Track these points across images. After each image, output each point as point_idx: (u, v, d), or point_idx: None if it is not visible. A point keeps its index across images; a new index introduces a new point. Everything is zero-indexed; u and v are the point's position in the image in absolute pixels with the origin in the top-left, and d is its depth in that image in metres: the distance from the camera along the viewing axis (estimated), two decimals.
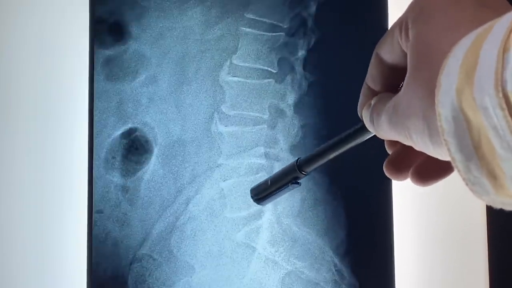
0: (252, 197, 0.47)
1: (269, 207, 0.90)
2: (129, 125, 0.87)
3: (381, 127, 0.35)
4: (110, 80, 0.87)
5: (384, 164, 0.39)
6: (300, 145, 0.92)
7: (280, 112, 0.92)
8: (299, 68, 0.93)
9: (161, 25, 0.89)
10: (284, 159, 0.91)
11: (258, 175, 0.90)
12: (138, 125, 0.87)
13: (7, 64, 0.86)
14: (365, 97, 0.39)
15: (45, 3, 0.88)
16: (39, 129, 0.86)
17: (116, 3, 0.88)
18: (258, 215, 0.90)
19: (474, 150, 0.27)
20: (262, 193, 0.48)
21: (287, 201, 0.91)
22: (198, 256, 0.87)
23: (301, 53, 0.93)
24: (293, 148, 0.91)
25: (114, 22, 0.88)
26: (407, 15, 0.34)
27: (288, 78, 0.92)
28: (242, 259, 0.89)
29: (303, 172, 0.45)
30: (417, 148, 0.33)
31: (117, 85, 0.87)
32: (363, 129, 0.39)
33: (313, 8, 0.94)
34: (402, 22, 0.34)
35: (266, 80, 0.92)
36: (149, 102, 0.88)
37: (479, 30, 0.28)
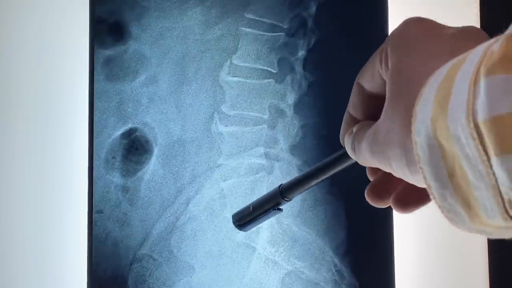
0: (234, 222, 0.47)
1: None
2: (129, 125, 0.87)
3: (362, 155, 0.36)
4: (110, 80, 0.87)
5: (365, 191, 0.40)
6: (300, 145, 0.92)
7: (280, 112, 0.92)
8: (299, 68, 0.93)
9: (161, 25, 0.89)
10: (284, 159, 0.91)
11: (258, 175, 0.90)
12: (138, 125, 0.87)
13: (7, 64, 0.86)
14: (347, 125, 0.39)
15: (45, 3, 0.88)
16: (39, 129, 0.86)
17: (116, 3, 0.88)
18: None
19: (449, 179, 0.28)
20: (244, 219, 0.48)
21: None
22: (198, 256, 0.88)
23: (301, 53, 0.93)
24: (293, 148, 0.91)
25: (114, 22, 0.88)
26: (387, 44, 0.34)
27: (288, 78, 0.92)
28: (242, 259, 0.89)
29: (285, 199, 0.45)
30: (396, 175, 0.33)
31: (117, 85, 0.87)
32: (345, 156, 0.40)
33: (313, 8, 0.94)
34: (382, 51, 0.35)
35: (266, 80, 0.92)
36: (149, 102, 0.88)
37: (454, 60, 0.28)
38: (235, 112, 0.90)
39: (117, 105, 0.87)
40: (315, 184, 0.43)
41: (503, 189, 0.26)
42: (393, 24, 0.96)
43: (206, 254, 0.88)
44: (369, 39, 0.95)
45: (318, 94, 0.93)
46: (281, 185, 0.45)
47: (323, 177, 0.43)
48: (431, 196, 0.29)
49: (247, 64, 0.91)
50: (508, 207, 0.26)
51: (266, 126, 0.91)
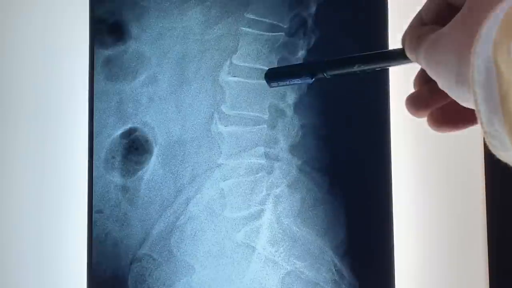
0: (265, 74, 0.46)
1: (269, 207, 0.90)
2: (129, 125, 0.87)
3: (419, 54, 0.36)
4: (110, 80, 0.87)
5: (405, 99, 0.40)
6: (300, 145, 0.92)
7: (280, 112, 0.92)
8: None
9: (161, 25, 0.89)
10: (284, 159, 0.91)
11: (258, 175, 0.90)
12: (138, 125, 0.87)
13: (7, 64, 0.86)
14: (413, 25, 0.40)
15: (45, 3, 0.88)
16: (39, 129, 0.86)
17: (116, 3, 0.88)
18: (258, 215, 0.90)
19: (500, 104, 0.28)
20: (277, 74, 0.46)
21: (287, 201, 0.91)
22: (198, 256, 0.87)
23: (301, 53, 0.93)
24: (293, 148, 0.91)
25: (114, 22, 0.88)
26: None
27: None
28: (242, 259, 0.89)
29: (324, 73, 0.44)
30: (440, 85, 0.33)
31: (117, 85, 0.87)
32: (400, 53, 0.40)
33: (313, 8, 0.94)
34: None
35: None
36: (149, 102, 0.88)
37: None
38: (235, 112, 0.90)
39: (117, 105, 0.87)
40: (359, 71, 0.42)
41: None
42: (393, 24, 0.96)
43: (206, 254, 0.88)
44: (369, 39, 0.95)
45: (318, 94, 0.93)
46: (325, 59, 0.44)
47: (370, 66, 0.42)
48: (478, 121, 0.29)
49: (247, 64, 0.91)
50: None
51: (266, 126, 0.91)
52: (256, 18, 0.92)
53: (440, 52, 0.33)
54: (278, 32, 0.92)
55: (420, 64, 0.37)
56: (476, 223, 1.01)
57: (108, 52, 0.87)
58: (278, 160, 0.91)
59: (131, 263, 0.85)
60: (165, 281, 0.86)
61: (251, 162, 0.90)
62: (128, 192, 0.86)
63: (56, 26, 0.88)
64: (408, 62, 0.39)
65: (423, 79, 0.40)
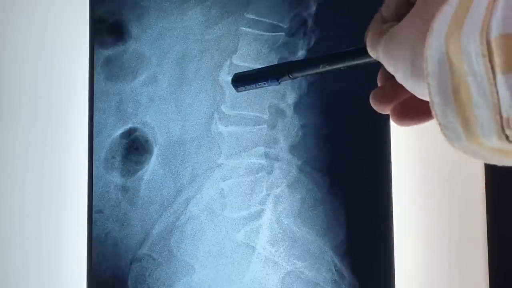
0: (232, 79, 0.46)
1: (269, 207, 0.90)
2: (129, 125, 0.87)
3: (378, 49, 0.37)
4: (110, 80, 0.87)
5: (370, 94, 0.42)
6: (300, 145, 0.92)
7: (280, 112, 0.92)
8: None
9: (161, 25, 0.89)
10: (284, 159, 0.91)
11: (258, 175, 0.90)
12: (138, 125, 0.87)
13: (7, 64, 0.86)
14: (375, 22, 0.41)
15: (45, 3, 0.88)
16: (39, 129, 0.86)
17: (116, 3, 0.88)
18: (258, 215, 0.90)
19: (453, 95, 0.28)
20: (243, 79, 0.46)
21: (287, 201, 0.91)
22: (198, 256, 0.87)
23: (301, 53, 0.93)
24: (293, 148, 0.91)
25: (114, 22, 0.88)
26: None
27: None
28: (242, 259, 0.89)
29: (289, 75, 0.44)
30: (397, 78, 0.34)
31: (117, 85, 0.87)
32: (361, 52, 0.40)
33: (313, 8, 0.94)
34: None
35: None
36: (149, 102, 0.88)
37: None
38: (235, 112, 0.90)
39: (116, 105, 0.87)
40: (323, 72, 0.43)
41: (503, 107, 0.26)
42: None
43: (206, 254, 0.88)
44: None
45: (318, 94, 0.93)
46: (290, 61, 0.45)
47: (334, 66, 0.42)
48: (432, 113, 0.30)
49: (247, 64, 0.91)
50: (505, 126, 0.27)
51: (266, 126, 0.91)
52: (256, 18, 0.92)
53: (396, 47, 0.34)
54: (278, 32, 0.92)
55: (380, 60, 0.38)
56: (476, 223, 1.01)
57: (108, 52, 0.87)
58: (278, 160, 0.91)
59: (131, 263, 0.85)
60: (165, 281, 0.86)
61: (251, 162, 0.90)
62: (128, 192, 0.86)
63: (56, 26, 0.88)
64: (371, 60, 0.40)
65: (385, 75, 0.41)
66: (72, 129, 0.87)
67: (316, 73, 0.43)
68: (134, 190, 0.86)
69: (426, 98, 0.31)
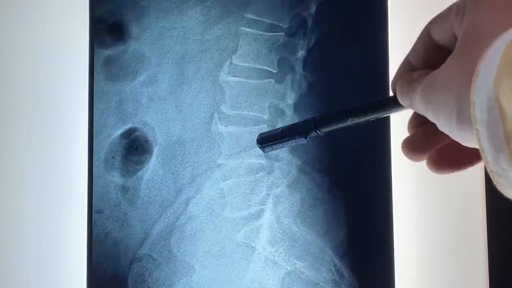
0: (257, 140, 0.46)
1: (269, 207, 0.90)
2: (129, 125, 0.87)
3: (414, 98, 0.35)
4: (110, 80, 0.87)
5: (402, 143, 0.40)
6: (300, 145, 0.92)
7: (280, 112, 0.92)
8: (299, 68, 0.93)
9: (161, 25, 0.89)
10: (284, 159, 0.91)
11: (258, 175, 0.90)
12: (138, 125, 0.87)
13: (7, 64, 0.86)
14: (403, 71, 0.39)
15: (45, 3, 0.88)
16: (39, 129, 0.86)
17: (116, 3, 0.88)
18: (258, 215, 0.90)
19: (505, 142, 0.27)
20: (269, 139, 0.46)
21: (287, 201, 0.91)
22: (198, 256, 0.87)
23: (301, 53, 0.93)
24: (293, 148, 0.91)
25: (114, 22, 0.88)
26: None
27: (288, 78, 0.92)
28: (242, 259, 0.89)
29: (317, 131, 0.43)
30: (440, 127, 0.33)
31: (117, 85, 0.87)
32: (392, 101, 0.39)
33: (313, 8, 0.94)
34: (460, 3, 0.34)
35: (266, 80, 0.92)
36: (149, 102, 0.88)
37: None
38: (235, 112, 0.90)
39: (116, 105, 0.87)
40: (351, 125, 0.42)
41: None
42: (392, 24, 0.96)
43: (206, 254, 0.88)
44: (369, 39, 0.95)
45: (318, 94, 0.93)
46: (317, 116, 0.44)
47: (362, 118, 0.41)
48: (483, 160, 0.29)
49: (247, 64, 0.91)
50: None
51: (266, 126, 0.91)
52: (256, 18, 0.92)
53: (437, 93, 0.33)
54: (278, 32, 0.92)
55: (415, 109, 0.36)
56: (476, 223, 1.01)
57: (108, 52, 0.87)
58: (278, 160, 0.91)
59: (131, 263, 0.85)
60: (165, 281, 0.86)
61: (251, 162, 0.90)
62: (128, 192, 0.86)
63: (55, 26, 0.88)
64: (402, 109, 0.39)
65: (417, 122, 0.40)
66: (72, 129, 0.87)
67: (345, 127, 0.42)
68: (134, 190, 0.86)
69: (474, 146, 0.29)
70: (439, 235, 0.99)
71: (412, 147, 0.40)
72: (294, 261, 0.90)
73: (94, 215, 0.85)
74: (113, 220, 0.85)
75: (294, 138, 0.44)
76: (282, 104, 0.92)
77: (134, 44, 0.88)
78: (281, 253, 0.90)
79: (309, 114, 0.92)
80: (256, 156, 0.90)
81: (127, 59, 0.88)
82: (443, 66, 0.33)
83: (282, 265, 0.90)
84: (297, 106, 0.92)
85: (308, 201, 0.91)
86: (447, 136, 0.33)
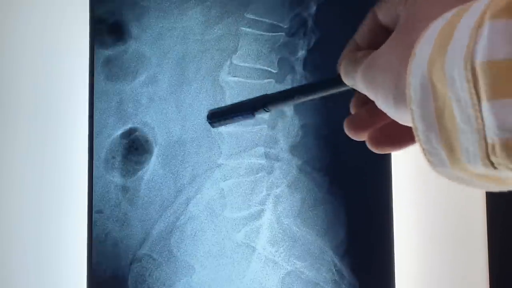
0: (207, 116, 0.47)
1: (269, 207, 0.90)
2: (129, 125, 0.87)
3: (356, 77, 0.37)
4: (110, 80, 0.87)
5: (345, 121, 0.41)
6: (300, 145, 0.92)
7: (280, 112, 0.92)
8: (299, 68, 0.93)
9: (161, 25, 0.89)
10: (284, 159, 0.91)
11: (258, 175, 0.90)
12: (138, 125, 0.87)
13: (7, 64, 0.86)
14: (349, 50, 0.41)
15: (45, 3, 0.88)
16: (39, 129, 0.86)
17: (116, 3, 0.88)
18: (258, 215, 0.90)
19: (436, 121, 0.28)
20: (219, 115, 0.46)
21: (287, 201, 0.91)
22: (198, 256, 0.87)
23: (301, 53, 0.93)
24: (293, 148, 0.91)
25: (114, 22, 0.88)
26: None
27: (288, 78, 0.92)
28: (242, 259, 0.89)
29: (265, 108, 0.44)
30: (379, 106, 0.34)
31: (117, 85, 0.87)
32: (336, 80, 0.40)
33: (313, 8, 0.94)
34: None
35: (266, 80, 0.92)
36: (149, 102, 0.88)
37: (462, 6, 0.28)
38: None
39: (117, 105, 0.87)
40: (298, 102, 0.43)
41: (488, 133, 0.26)
42: None
43: (206, 254, 0.88)
44: None
45: None
46: (265, 94, 0.45)
47: (308, 97, 0.43)
48: (416, 138, 0.30)
49: (247, 64, 0.91)
50: (490, 152, 0.26)
51: (266, 126, 0.91)
52: (256, 18, 0.92)
53: (377, 73, 0.34)
54: (278, 32, 0.92)
55: (357, 87, 0.37)
56: (476, 223, 1.01)
57: (108, 52, 0.87)
58: (278, 160, 0.91)
59: (131, 263, 0.85)
60: (165, 281, 0.86)
61: (251, 162, 0.90)
62: (128, 192, 0.86)
63: (56, 26, 0.88)
64: (345, 88, 0.40)
65: (359, 102, 0.41)
66: (72, 129, 0.87)
67: (292, 104, 0.43)
68: (134, 190, 0.86)
69: (409, 124, 0.30)
70: (439, 235, 0.99)
71: (355, 125, 0.41)
72: (294, 261, 0.90)
73: (94, 215, 0.85)
74: (113, 220, 0.85)
75: (242, 115, 0.45)
76: None
77: (134, 44, 0.88)
78: (281, 253, 0.90)
79: (309, 114, 0.92)
80: (256, 156, 0.90)
81: (127, 59, 0.88)
82: (383, 46, 0.34)
83: (282, 265, 0.90)
84: (297, 106, 0.92)
85: (308, 201, 0.91)
86: (387, 116, 0.34)
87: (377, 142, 0.40)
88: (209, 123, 0.47)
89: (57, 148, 0.86)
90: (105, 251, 0.85)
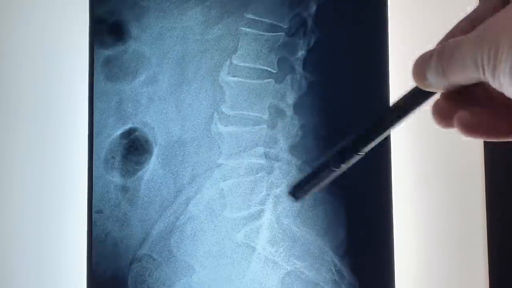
0: (289, 193, 0.39)
1: (269, 207, 0.90)
2: (129, 125, 0.87)
3: (459, 51, 0.31)
4: (110, 80, 0.87)
5: (431, 107, 0.36)
6: (300, 145, 0.92)
7: (280, 112, 0.92)
8: (299, 68, 0.93)
9: (161, 25, 0.89)
10: (284, 159, 0.91)
11: (258, 175, 0.90)
12: (138, 125, 0.87)
13: (7, 64, 0.86)
14: (427, 53, 0.34)
15: (45, 3, 0.88)
16: (39, 129, 0.86)
17: (116, 3, 0.88)
18: (258, 215, 0.90)
19: None
20: (302, 187, 0.39)
21: (287, 201, 0.91)
22: (198, 256, 0.87)
23: (301, 53, 0.93)
24: (293, 148, 0.91)
25: (114, 22, 0.88)
26: None
27: (288, 78, 0.92)
28: (242, 259, 0.89)
29: (359, 153, 0.37)
30: (496, 74, 0.28)
31: (117, 85, 0.87)
32: (417, 92, 0.34)
33: (313, 8, 0.94)
34: None
35: (266, 80, 0.92)
36: (149, 102, 0.88)
37: None
38: (235, 112, 0.90)
39: (116, 105, 0.87)
40: (388, 131, 0.35)
41: None
42: (392, 24, 0.96)
43: (206, 254, 0.88)
44: (369, 39, 0.95)
45: (318, 94, 0.93)
46: (347, 140, 0.37)
47: (397, 123, 0.35)
48: None
49: (247, 64, 0.91)
50: None
51: (266, 126, 0.91)
52: (256, 18, 0.92)
53: (498, 29, 0.28)
54: (278, 32, 0.92)
55: (454, 71, 0.32)
56: (476, 223, 1.01)
57: (108, 52, 0.87)
58: (278, 160, 0.91)
59: (131, 263, 0.85)
60: (165, 281, 0.86)
61: (251, 162, 0.90)
62: (128, 192, 0.86)
63: (56, 26, 0.88)
64: (430, 97, 0.34)
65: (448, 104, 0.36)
66: (72, 129, 0.87)
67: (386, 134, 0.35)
68: (134, 190, 0.86)
69: None
70: (439, 235, 0.99)
71: (444, 112, 0.35)
72: (294, 261, 0.90)
73: (94, 215, 0.85)
74: (113, 220, 0.85)
75: (330, 173, 0.38)
76: (282, 104, 0.92)
77: (134, 44, 0.88)
78: (281, 253, 0.90)
79: (309, 114, 0.92)
80: (256, 156, 0.90)
81: (127, 59, 0.88)
82: (500, 12, 0.29)
83: (282, 265, 0.90)
84: (297, 106, 0.92)
85: (308, 201, 0.91)
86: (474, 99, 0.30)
87: (469, 127, 0.34)
88: (294, 200, 0.39)
89: (57, 148, 0.86)
90: (105, 251, 0.85)
